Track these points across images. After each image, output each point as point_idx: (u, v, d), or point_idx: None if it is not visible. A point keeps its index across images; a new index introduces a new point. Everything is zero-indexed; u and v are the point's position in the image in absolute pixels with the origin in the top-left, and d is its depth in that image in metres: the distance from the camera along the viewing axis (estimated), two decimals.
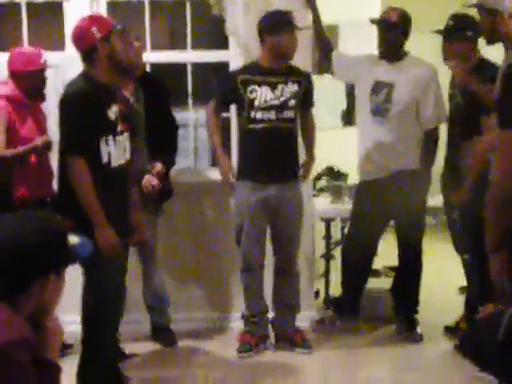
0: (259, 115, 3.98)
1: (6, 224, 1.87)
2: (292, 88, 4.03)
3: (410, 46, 4.31)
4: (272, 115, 3.98)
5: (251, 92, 3.98)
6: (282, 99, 4.00)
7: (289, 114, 4.02)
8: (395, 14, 4.19)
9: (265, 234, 4.12)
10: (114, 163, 3.17)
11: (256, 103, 3.97)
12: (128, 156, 3.29)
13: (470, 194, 3.77)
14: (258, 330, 4.17)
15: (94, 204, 3.07)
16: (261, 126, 3.98)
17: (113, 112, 3.18)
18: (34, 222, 1.88)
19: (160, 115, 4.07)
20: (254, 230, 4.05)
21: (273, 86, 3.99)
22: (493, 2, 3.40)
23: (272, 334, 4.25)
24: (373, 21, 4.25)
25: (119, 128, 3.22)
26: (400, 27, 4.18)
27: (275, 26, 3.94)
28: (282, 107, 3.99)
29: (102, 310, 3.17)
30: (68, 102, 3.13)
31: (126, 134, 3.26)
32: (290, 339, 4.17)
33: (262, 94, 3.97)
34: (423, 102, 4.18)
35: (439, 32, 4.15)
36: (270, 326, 4.25)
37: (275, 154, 3.98)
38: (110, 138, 3.15)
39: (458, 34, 4.04)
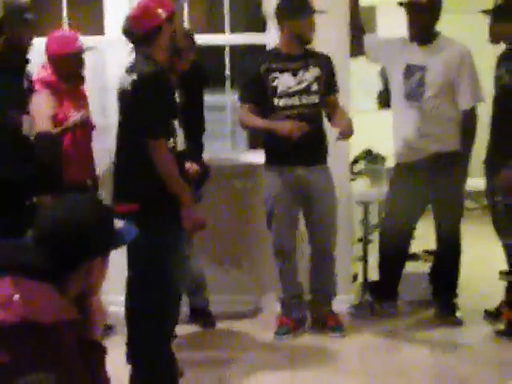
0: (282, 102, 3.95)
1: (57, 206, 1.90)
2: (314, 72, 3.99)
3: (445, 27, 4.23)
4: (295, 101, 3.95)
5: (273, 80, 3.95)
6: (304, 84, 3.97)
7: (312, 98, 3.99)
8: None
9: (296, 216, 4.11)
10: (179, 147, 3.18)
11: (279, 90, 3.95)
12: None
13: None
14: (296, 313, 4.17)
15: (182, 185, 3.09)
16: (285, 112, 3.96)
17: (176, 96, 3.18)
18: (82, 204, 1.90)
19: (192, 99, 4.05)
20: (284, 213, 4.04)
21: (294, 72, 3.96)
22: None
23: (308, 317, 4.25)
24: (401, 3, 4.18)
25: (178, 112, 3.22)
26: (430, 8, 4.11)
27: (293, 10, 3.89)
28: (304, 92, 3.96)
29: (169, 294, 3.20)
30: (147, 85, 3.05)
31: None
32: (324, 322, 4.17)
33: (283, 81, 3.95)
34: (458, 83, 4.12)
35: (487, 12, 4.06)
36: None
37: (301, 139, 3.90)
38: (176, 121, 3.15)
39: (508, 14, 3.93)
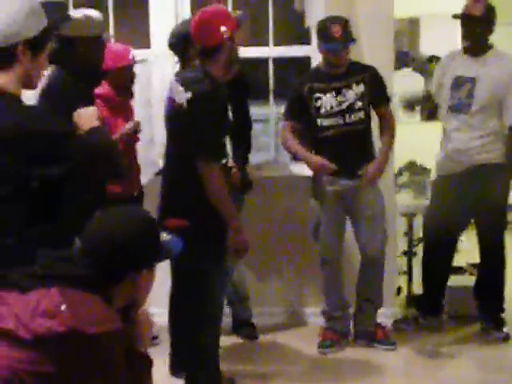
0: (327, 122, 3.95)
1: (105, 217, 1.93)
2: (357, 89, 3.96)
3: (495, 39, 4.19)
4: (340, 121, 3.94)
5: (316, 100, 3.95)
6: (347, 103, 3.95)
7: (357, 116, 3.96)
8: (479, 6, 4.06)
9: (343, 226, 4.09)
10: (230, 162, 3.24)
11: (322, 111, 3.95)
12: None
13: None
14: (339, 326, 4.15)
15: (231, 208, 3.13)
16: (330, 132, 3.96)
17: (228, 112, 3.20)
18: (129, 216, 1.93)
19: (236, 111, 4.06)
20: (331, 222, 4.03)
21: (337, 91, 3.94)
22: None
23: (352, 330, 4.22)
24: (456, 16, 4.14)
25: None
26: (485, 21, 4.06)
27: (325, 35, 3.87)
28: (348, 112, 3.95)
29: (211, 311, 3.23)
30: (203, 105, 3.05)
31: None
32: (371, 334, 4.13)
33: (326, 101, 3.94)
34: (507, 97, 4.06)
35: None
36: (351, 321, 4.22)
37: (347, 156, 3.95)
38: (227, 138, 3.20)
39: None
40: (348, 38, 3.87)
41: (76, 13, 3.41)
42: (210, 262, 3.11)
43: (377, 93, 4.04)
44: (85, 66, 3.33)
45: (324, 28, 3.87)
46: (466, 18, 4.09)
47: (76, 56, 3.30)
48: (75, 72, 3.29)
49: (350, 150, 3.97)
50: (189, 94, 3.06)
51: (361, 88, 3.97)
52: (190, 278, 3.17)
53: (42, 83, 3.33)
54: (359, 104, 3.96)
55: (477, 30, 4.08)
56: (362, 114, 3.98)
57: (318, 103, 3.96)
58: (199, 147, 3.05)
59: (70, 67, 3.30)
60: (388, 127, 4.08)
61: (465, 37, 4.14)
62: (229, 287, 4.24)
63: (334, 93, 3.95)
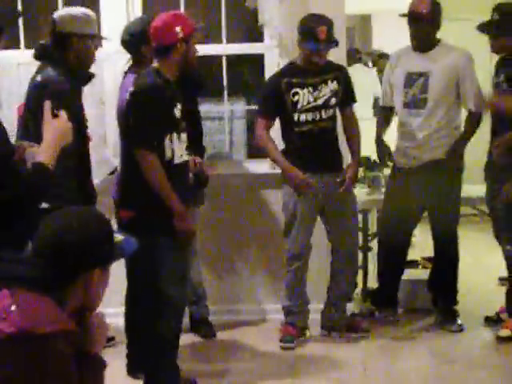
0: (303, 117, 3.98)
1: (56, 218, 1.91)
2: (332, 86, 4.02)
3: (442, 34, 4.25)
4: (315, 116, 3.99)
5: (293, 95, 3.97)
6: (323, 99, 3.99)
7: (331, 112, 4.03)
8: (425, 4, 4.12)
9: (313, 224, 4.12)
10: (177, 160, 3.22)
11: (299, 106, 3.97)
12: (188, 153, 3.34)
13: None
14: (300, 322, 4.17)
15: (172, 194, 3.15)
16: (306, 127, 3.99)
17: (178, 110, 3.22)
18: (82, 217, 1.91)
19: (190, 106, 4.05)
20: (304, 219, 4.05)
21: (314, 87, 3.99)
22: None
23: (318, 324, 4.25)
24: (403, 14, 4.18)
25: (182, 126, 3.26)
26: (430, 18, 4.11)
27: (310, 34, 3.88)
28: (323, 107, 4.00)
29: (170, 303, 3.24)
30: (141, 96, 3.17)
31: (185, 132, 3.30)
32: (353, 326, 4.19)
33: (303, 97, 3.97)
34: (463, 85, 4.13)
35: (481, 28, 4.02)
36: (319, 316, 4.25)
37: (321, 151, 4.02)
38: (174, 135, 3.20)
39: (505, 28, 3.90)
40: (332, 39, 3.91)
41: (74, 10, 3.41)
42: (163, 253, 3.15)
43: (347, 92, 4.10)
44: (78, 63, 3.34)
45: (310, 27, 3.89)
46: (412, 17, 4.14)
47: (71, 53, 3.34)
48: (68, 69, 3.29)
49: (324, 145, 4.03)
50: (132, 88, 3.21)
51: (335, 85, 4.02)
52: (145, 272, 3.19)
53: (35, 80, 3.32)
54: (333, 100, 4.02)
55: (423, 28, 4.13)
56: (333, 111, 4.05)
57: (295, 98, 3.98)
58: (135, 138, 3.17)
59: (63, 64, 3.29)
60: (356, 128, 4.16)
61: (412, 35, 4.19)
62: (188, 285, 4.24)
63: (310, 88, 3.98)
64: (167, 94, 3.18)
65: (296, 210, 4.03)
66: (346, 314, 4.26)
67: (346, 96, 4.11)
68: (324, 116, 4.00)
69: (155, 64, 3.27)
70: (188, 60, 3.24)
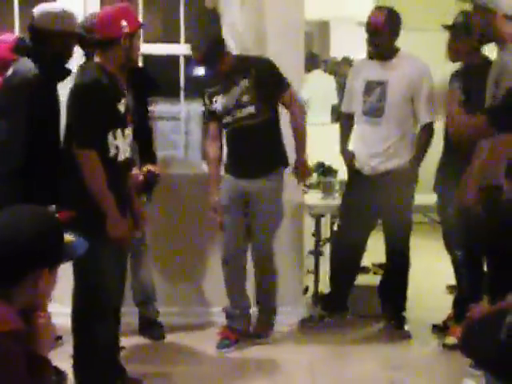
0: (225, 120, 4.03)
1: (5, 216, 1.87)
2: (242, 84, 3.97)
3: (401, 43, 4.30)
4: (233, 118, 4.00)
5: (214, 103, 4.04)
6: (234, 100, 3.98)
7: (246, 111, 3.97)
8: (382, 15, 4.15)
9: (241, 227, 4.10)
10: (121, 156, 3.17)
11: (219, 111, 4.03)
12: (131, 150, 3.29)
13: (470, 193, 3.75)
14: (239, 325, 4.16)
15: (107, 196, 3.09)
16: (228, 129, 4.06)
17: (122, 104, 3.17)
18: (30, 216, 1.88)
19: (141, 108, 4.01)
20: (231, 223, 4.07)
21: (226, 90, 4.00)
22: (487, 1, 3.40)
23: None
24: (361, 23, 4.24)
25: (127, 120, 3.21)
26: (387, 29, 4.15)
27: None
28: (237, 107, 3.98)
29: (98, 300, 3.17)
30: (79, 93, 3.11)
31: (131, 128, 3.25)
32: (254, 333, 4.20)
33: (220, 102, 4.02)
34: (418, 97, 4.18)
35: (447, 28, 4.11)
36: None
37: (245, 150, 4.01)
38: (119, 131, 3.14)
39: (467, 31, 3.93)
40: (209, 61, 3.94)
41: (52, 6, 3.37)
42: (99, 255, 3.02)
43: (271, 81, 3.97)
44: (55, 59, 3.32)
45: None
46: (367, 27, 4.19)
47: (48, 48, 3.31)
48: (44, 64, 3.25)
49: (245, 146, 4.00)
50: (71, 84, 3.16)
51: (246, 82, 3.96)
52: (81, 272, 3.14)
53: (8, 71, 3.29)
54: (246, 98, 3.96)
55: (378, 39, 4.17)
56: (252, 109, 3.96)
57: (216, 105, 4.03)
58: (74, 137, 3.11)
59: (39, 59, 3.26)
60: (297, 117, 4.03)
61: (370, 45, 4.25)
62: (138, 286, 4.20)
63: (224, 92, 4.00)
64: (109, 88, 3.12)
65: (224, 214, 4.06)
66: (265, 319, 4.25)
67: (272, 85, 3.96)
68: (240, 115, 3.97)
69: (97, 58, 3.21)
70: (130, 56, 3.20)
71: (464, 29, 3.95)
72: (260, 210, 4.05)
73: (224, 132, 4.12)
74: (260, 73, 3.95)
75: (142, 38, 4.33)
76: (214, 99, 4.03)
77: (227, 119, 4.02)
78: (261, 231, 4.08)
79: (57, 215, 2.97)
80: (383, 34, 4.15)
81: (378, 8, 4.26)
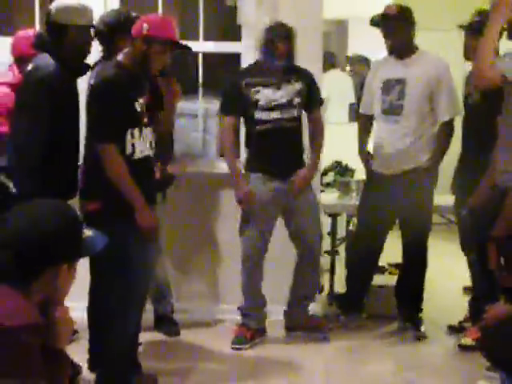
0: (264, 115, 3.97)
1: (24, 211, 1.88)
2: (296, 86, 4.02)
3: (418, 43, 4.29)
4: (277, 115, 3.97)
5: (256, 93, 3.97)
6: (286, 98, 3.99)
7: (293, 112, 4.01)
8: (393, 7, 4.20)
9: (273, 226, 4.11)
10: (138, 155, 3.18)
11: (260, 104, 3.96)
12: (152, 149, 3.30)
13: (482, 195, 3.75)
14: (255, 324, 4.17)
15: (133, 188, 3.12)
16: (267, 126, 3.98)
17: (140, 104, 3.17)
18: (49, 211, 1.88)
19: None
20: (262, 220, 4.04)
21: (277, 86, 3.98)
22: None
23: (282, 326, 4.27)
24: (373, 23, 4.22)
25: (145, 120, 3.21)
26: (401, 17, 4.16)
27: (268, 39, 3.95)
28: (286, 106, 3.98)
29: (129, 292, 3.19)
30: (100, 89, 3.14)
31: (150, 127, 3.26)
32: (314, 326, 4.21)
33: (266, 95, 3.96)
34: (437, 95, 4.17)
35: (463, 27, 4.10)
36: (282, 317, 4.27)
37: (281, 151, 4.00)
38: (136, 130, 3.16)
39: (483, 30, 3.95)
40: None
41: (70, 1, 3.41)
42: (128, 246, 3.10)
43: (313, 94, 4.09)
44: (73, 54, 3.33)
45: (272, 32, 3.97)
46: (382, 18, 4.19)
47: (66, 43, 3.33)
48: (63, 60, 3.27)
49: (283, 147, 4.01)
50: (93, 80, 3.21)
51: (299, 85, 4.02)
52: (110, 265, 3.12)
53: (28, 67, 3.33)
54: (297, 100, 4.00)
55: (394, 27, 4.16)
56: (296, 112, 4.02)
57: (257, 96, 3.97)
58: (94, 129, 3.16)
59: (58, 54, 3.29)
60: (319, 133, 4.15)
61: (385, 36, 4.23)
62: (153, 282, 4.21)
63: (274, 87, 3.97)
64: (127, 86, 3.14)
65: (252, 212, 4.02)
66: (307, 313, 4.26)
67: (313, 98, 4.09)
68: (285, 115, 3.99)
69: (119, 56, 3.23)
70: (147, 62, 3.18)
71: (480, 28, 3.91)
72: (304, 206, 4.07)
73: (249, 128, 4.04)
74: (310, 82, 4.07)
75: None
76: (256, 89, 3.97)
77: (268, 115, 3.96)
78: (312, 226, 4.11)
79: (79, 206, 3.04)
80: (398, 22, 4.15)
81: (391, 4, 4.30)
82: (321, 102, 4.18)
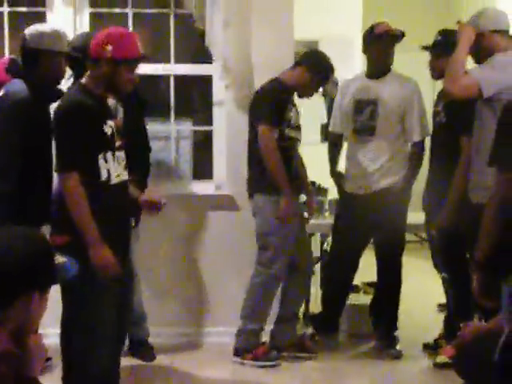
0: (292, 133, 4.10)
1: None
2: (296, 108, 4.18)
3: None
4: (298, 134, 4.14)
5: (290, 111, 4.08)
6: (297, 119, 4.15)
7: (300, 133, 4.22)
8: (390, 26, 4.20)
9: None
10: (114, 180, 3.04)
11: (291, 122, 4.09)
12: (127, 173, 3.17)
13: (449, 214, 3.81)
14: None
15: (88, 222, 2.93)
16: (291, 143, 4.10)
17: (109, 127, 3.03)
18: (21, 238, 1.86)
19: (135, 133, 3.94)
20: (294, 239, 4.11)
21: (294, 107, 4.15)
22: (471, 22, 3.45)
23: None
24: (379, 36, 4.19)
25: (117, 143, 3.09)
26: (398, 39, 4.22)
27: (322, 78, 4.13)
28: (297, 126, 4.16)
29: (94, 336, 3.05)
30: (63, 116, 2.99)
31: (122, 151, 3.13)
32: (299, 346, 4.21)
33: (293, 114, 4.10)
34: (408, 116, 4.21)
35: (426, 48, 4.15)
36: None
37: (294, 169, 4.18)
38: (109, 154, 3.03)
39: (447, 49, 4.00)
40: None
41: (43, 27, 3.38)
42: (96, 281, 2.95)
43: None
44: (47, 79, 3.31)
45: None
46: (392, 38, 4.18)
47: (40, 69, 3.33)
48: (36, 85, 3.24)
49: (296, 164, 4.19)
50: (56, 106, 3.08)
51: (297, 108, 4.19)
52: (78, 299, 3.01)
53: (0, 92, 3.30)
54: (299, 122, 4.17)
55: (392, 49, 4.22)
56: (300, 135, 4.20)
57: (290, 115, 4.07)
58: (57, 160, 3.00)
59: (31, 79, 3.25)
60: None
61: (382, 56, 4.23)
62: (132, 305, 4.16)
63: (295, 108, 4.14)
64: (93, 110, 2.99)
65: (289, 231, 4.05)
66: (296, 331, 4.27)
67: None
68: (299, 136, 4.16)
69: (83, 80, 3.08)
70: (114, 83, 3.03)
71: (444, 48, 3.97)
72: (303, 229, 4.29)
73: (282, 147, 4.03)
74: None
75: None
76: (290, 107, 4.10)
77: (294, 134, 4.12)
78: (308, 245, 4.46)
79: (49, 238, 2.95)
80: (393, 45, 4.23)
81: (383, 22, 4.24)
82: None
